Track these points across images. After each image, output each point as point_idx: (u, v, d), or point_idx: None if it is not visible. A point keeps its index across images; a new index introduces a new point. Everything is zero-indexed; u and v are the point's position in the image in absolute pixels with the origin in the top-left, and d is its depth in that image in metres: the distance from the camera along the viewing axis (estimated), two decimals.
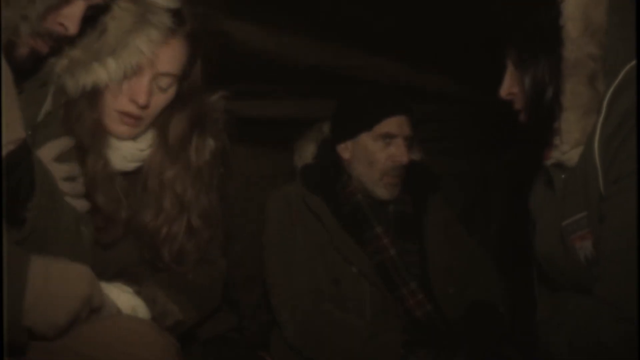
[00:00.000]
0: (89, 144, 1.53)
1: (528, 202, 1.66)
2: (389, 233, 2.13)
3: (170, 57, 1.56)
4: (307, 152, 2.30)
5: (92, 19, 1.39)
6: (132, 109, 1.55)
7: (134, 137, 1.61)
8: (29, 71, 1.37)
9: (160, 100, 1.59)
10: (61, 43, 1.37)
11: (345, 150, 2.18)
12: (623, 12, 1.35)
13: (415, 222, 2.18)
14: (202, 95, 1.69)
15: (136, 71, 1.52)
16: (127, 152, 1.61)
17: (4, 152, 1.11)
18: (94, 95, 1.53)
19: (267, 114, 2.47)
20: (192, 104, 1.66)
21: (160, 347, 1.23)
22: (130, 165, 1.63)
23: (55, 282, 1.15)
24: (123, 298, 1.43)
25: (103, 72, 1.47)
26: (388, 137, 2.11)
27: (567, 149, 1.40)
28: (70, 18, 1.30)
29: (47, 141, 1.40)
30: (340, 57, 2.33)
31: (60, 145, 1.42)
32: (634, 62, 1.35)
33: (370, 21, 2.16)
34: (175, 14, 1.53)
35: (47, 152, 1.38)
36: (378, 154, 2.12)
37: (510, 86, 1.50)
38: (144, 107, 1.55)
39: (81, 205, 1.42)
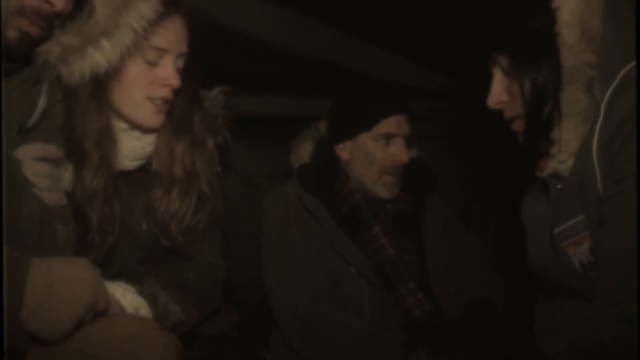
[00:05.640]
0: (92, 146, 1.51)
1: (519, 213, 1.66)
2: (387, 233, 2.12)
3: (181, 36, 1.57)
4: (304, 152, 2.28)
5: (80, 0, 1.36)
6: (165, 93, 1.56)
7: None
8: (23, 59, 1.34)
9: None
10: (51, 23, 1.33)
11: (343, 150, 2.17)
12: (618, 17, 1.36)
13: (413, 221, 2.18)
14: (198, 72, 1.69)
15: (161, 55, 1.53)
16: (132, 150, 1.60)
17: None
18: (101, 95, 1.51)
19: (267, 111, 2.45)
20: (191, 80, 1.65)
21: (162, 345, 1.24)
22: (134, 164, 1.63)
23: (58, 287, 1.13)
24: (128, 297, 1.44)
25: (99, 56, 1.42)
26: (388, 136, 2.11)
27: (565, 157, 1.40)
28: None
29: (36, 141, 1.36)
30: (342, 50, 2.31)
31: (47, 150, 1.37)
32: (632, 64, 1.35)
33: (373, 15, 2.14)
34: None
35: (29, 151, 1.33)
36: (378, 153, 2.11)
37: (499, 95, 1.49)
38: (175, 90, 1.57)
39: (54, 199, 1.37)
